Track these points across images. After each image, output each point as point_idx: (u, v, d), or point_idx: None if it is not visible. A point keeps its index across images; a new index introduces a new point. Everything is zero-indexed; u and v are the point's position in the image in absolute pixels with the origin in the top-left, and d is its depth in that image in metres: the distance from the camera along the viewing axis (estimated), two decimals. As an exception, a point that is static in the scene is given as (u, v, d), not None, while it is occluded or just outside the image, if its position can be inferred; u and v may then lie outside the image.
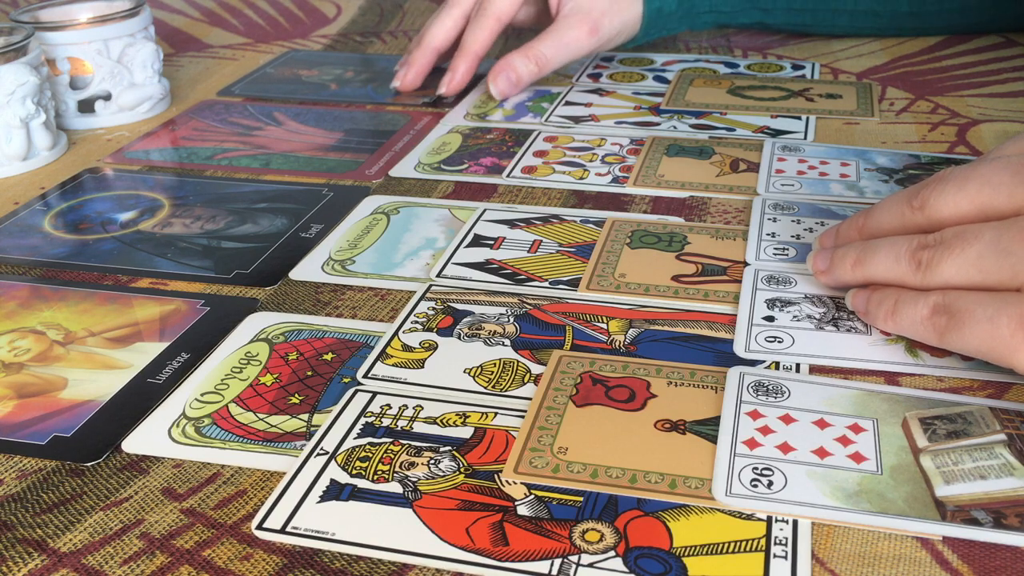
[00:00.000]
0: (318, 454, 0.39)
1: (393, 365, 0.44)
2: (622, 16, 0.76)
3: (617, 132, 0.69)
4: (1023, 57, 0.79)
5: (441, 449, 0.39)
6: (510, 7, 0.74)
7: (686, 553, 0.34)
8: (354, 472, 0.38)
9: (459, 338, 0.46)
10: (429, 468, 0.38)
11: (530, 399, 0.41)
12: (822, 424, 0.39)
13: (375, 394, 0.42)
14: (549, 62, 0.74)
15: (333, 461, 0.38)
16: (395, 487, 0.37)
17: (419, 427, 0.40)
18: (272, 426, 0.41)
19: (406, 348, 0.45)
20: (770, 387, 0.41)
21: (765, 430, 0.39)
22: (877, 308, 0.43)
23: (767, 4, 0.81)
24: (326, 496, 0.37)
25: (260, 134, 0.72)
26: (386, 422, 0.40)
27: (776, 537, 0.34)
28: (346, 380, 0.43)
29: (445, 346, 0.45)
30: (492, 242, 0.54)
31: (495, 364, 0.44)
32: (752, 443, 0.38)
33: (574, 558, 0.33)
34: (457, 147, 0.67)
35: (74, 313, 0.50)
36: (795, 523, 0.35)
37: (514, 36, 0.92)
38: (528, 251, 0.53)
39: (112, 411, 0.42)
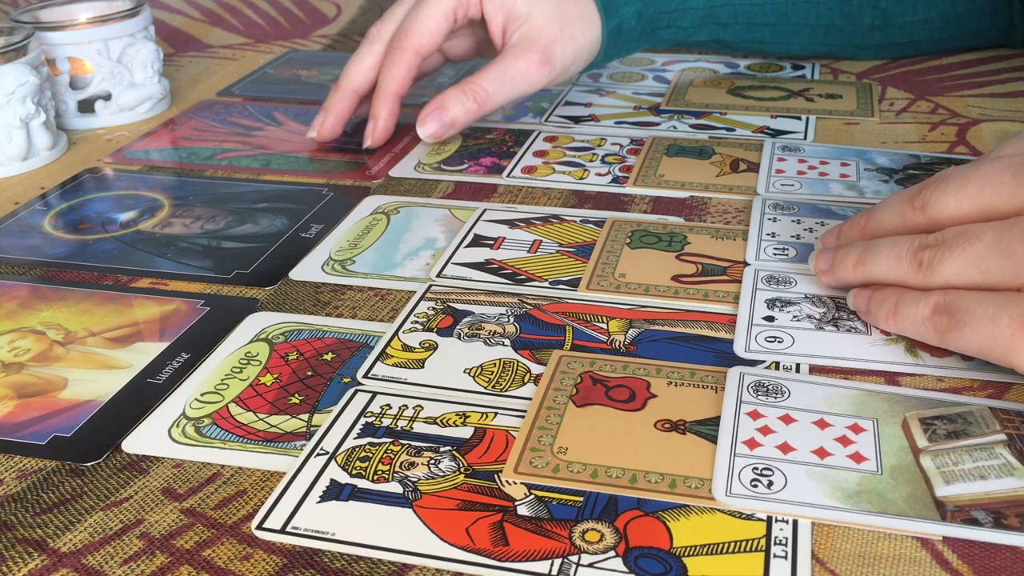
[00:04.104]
0: (318, 454, 0.39)
1: (393, 365, 0.44)
2: (575, 43, 0.66)
3: (617, 132, 0.69)
4: (1023, 57, 0.79)
5: (441, 449, 0.39)
6: (431, 38, 0.65)
7: (686, 553, 0.33)
8: (354, 472, 0.38)
9: (459, 338, 0.46)
10: (429, 468, 0.38)
11: (530, 399, 0.41)
12: (822, 424, 0.39)
13: (375, 394, 0.42)
14: (491, 98, 0.64)
15: (333, 461, 0.38)
16: (395, 487, 0.37)
17: (419, 427, 0.40)
18: (272, 426, 0.41)
19: (406, 348, 0.45)
20: (770, 387, 0.41)
21: (765, 430, 0.39)
22: (878, 308, 0.43)
23: (726, 18, 0.75)
24: (326, 496, 0.37)
25: (260, 134, 0.72)
26: (386, 422, 0.40)
27: (776, 537, 0.34)
28: (346, 380, 0.43)
29: (445, 346, 0.45)
30: (492, 242, 0.54)
31: (495, 364, 0.44)
32: (752, 443, 0.38)
33: (574, 558, 0.33)
34: (457, 147, 0.67)
35: (74, 313, 0.50)
36: (795, 523, 0.35)
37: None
38: (528, 251, 0.53)
39: (112, 411, 0.42)
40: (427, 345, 0.45)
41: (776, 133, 0.67)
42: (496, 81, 0.64)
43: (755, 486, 0.36)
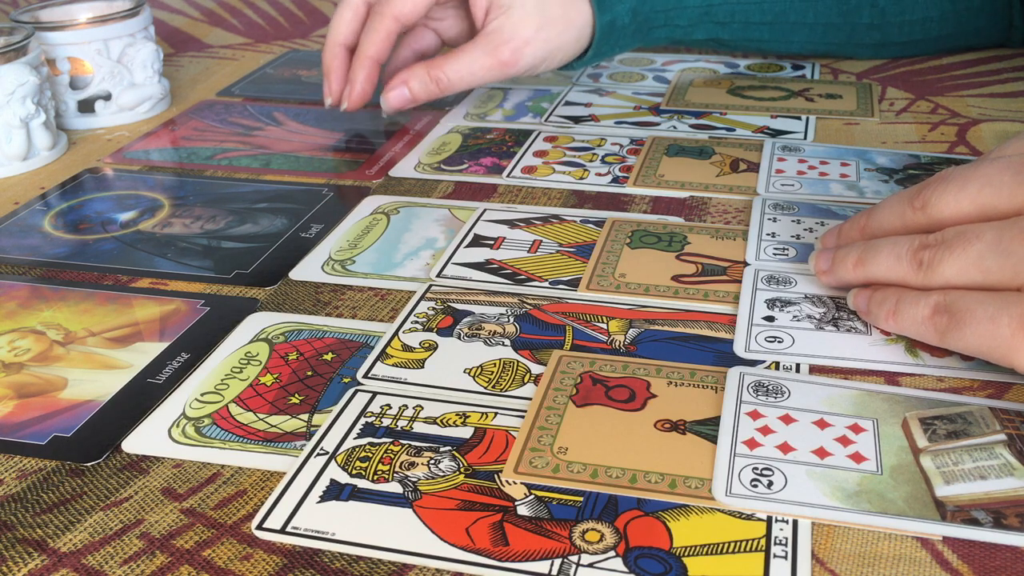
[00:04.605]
0: (318, 454, 0.39)
1: (393, 365, 0.44)
2: (548, 45, 0.67)
3: (617, 132, 0.69)
4: (1023, 57, 0.79)
5: (441, 449, 0.39)
6: (413, 8, 0.66)
7: (686, 553, 0.33)
8: (354, 472, 0.38)
9: (459, 338, 0.46)
10: (429, 468, 0.38)
11: (530, 399, 0.41)
12: (822, 424, 0.39)
13: (375, 394, 0.42)
14: (452, 86, 0.67)
15: (333, 461, 0.38)
16: (395, 487, 0.37)
17: (419, 427, 0.40)
18: (272, 426, 0.41)
19: (406, 348, 0.45)
20: (770, 387, 0.41)
21: (765, 430, 0.39)
22: (878, 308, 0.43)
23: (723, 17, 0.74)
24: (326, 496, 0.36)
25: (260, 134, 0.72)
26: (386, 422, 0.40)
27: (776, 537, 0.34)
28: (346, 380, 0.43)
29: (445, 346, 0.45)
30: (492, 242, 0.54)
31: (495, 364, 0.44)
32: (752, 443, 0.38)
33: (574, 558, 0.33)
34: (457, 147, 0.67)
35: (74, 313, 0.50)
36: (795, 523, 0.35)
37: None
38: (528, 251, 0.53)
39: (112, 411, 0.42)
40: (427, 345, 0.45)
41: (776, 133, 0.67)
42: (459, 72, 0.66)
43: (755, 486, 0.36)
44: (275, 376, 0.44)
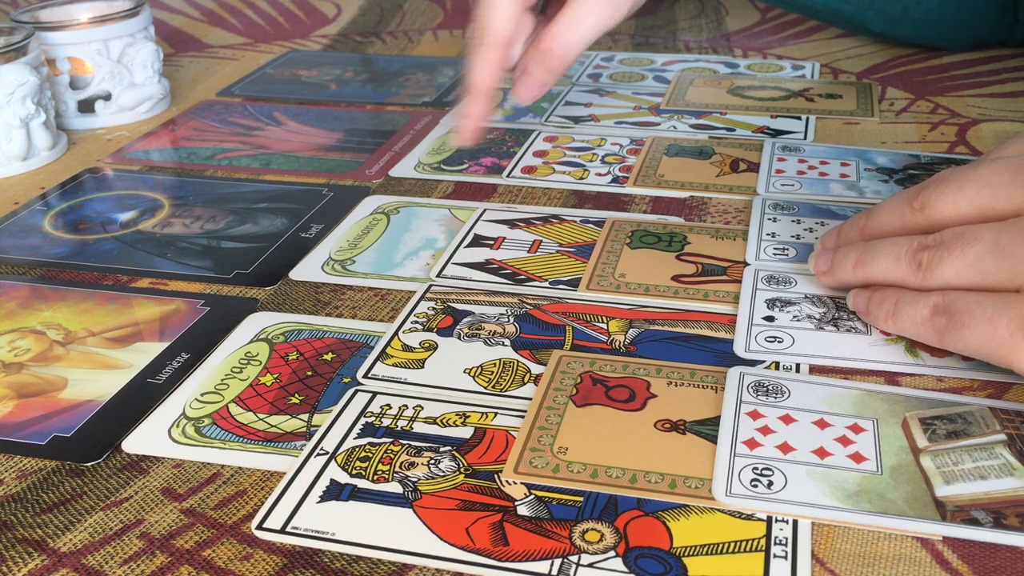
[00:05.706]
0: (318, 454, 0.39)
1: (393, 365, 0.44)
2: None
3: (617, 132, 0.69)
4: (1023, 57, 0.79)
5: (441, 449, 0.39)
6: (506, 24, 0.61)
7: (686, 553, 0.34)
8: (354, 472, 0.38)
9: (459, 338, 0.46)
10: (429, 468, 0.38)
11: (530, 399, 0.41)
12: (822, 424, 0.39)
13: (375, 394, 0.42)
14: (571, 52, 0.61)
15: (333, 461, 0.38)
16: (395, 487, 0.37)
17: (419, 427, 0.40)
18: (272, 426, 0.41)
19: (406, 348, 0.45)
20: (770, 387, 0.41)
21: (765, 430, 0.39)
22: (878, 309, 0.43)
23: None
24: (326, 496, 0.37)
25: (260, 134, 0.72)
26: (386, 422, 0.40)
27: (776, 537, 0.34)
28: (346, 380, 0.43)
29: (445, 346, 0.45)
30: (492, 242, 0.54)
31: (495, 364, 0.44)
32: (752, 443, 0.38)
33: (574, 558, 0.33)
34: (457, 147, 0.67)
35: (74, 313, 0.50)
36: (795, 523, 0.35)
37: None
38: (528, 251, 0.53)
39: (112, 411, 0.42)
40: (427, 345, 0.45)
41: (776, 133, 0.67)
42: (565, 38, 0.61)
43: (755, 486, 0.36)
44: (275, 376, 0.44)
